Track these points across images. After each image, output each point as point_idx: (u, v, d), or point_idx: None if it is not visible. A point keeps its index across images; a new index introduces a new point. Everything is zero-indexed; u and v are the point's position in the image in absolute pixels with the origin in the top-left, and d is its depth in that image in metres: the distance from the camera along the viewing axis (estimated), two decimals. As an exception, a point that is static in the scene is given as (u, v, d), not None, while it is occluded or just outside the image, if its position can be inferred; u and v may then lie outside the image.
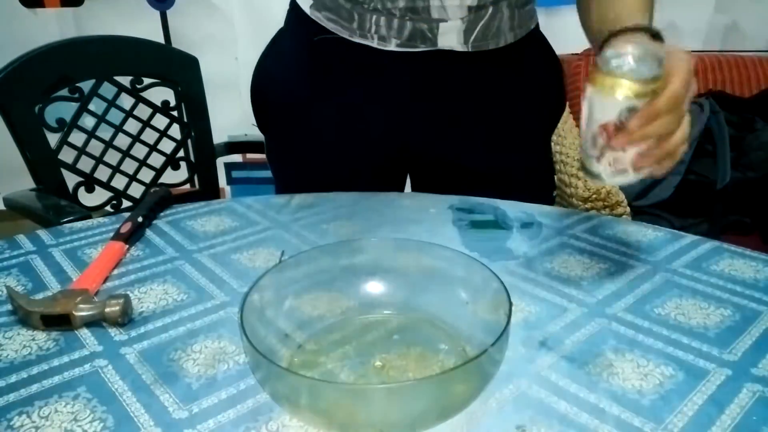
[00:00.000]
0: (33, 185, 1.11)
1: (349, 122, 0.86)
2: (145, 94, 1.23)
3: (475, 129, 0.86)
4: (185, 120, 1.30)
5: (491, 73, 0.82)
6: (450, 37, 0.77)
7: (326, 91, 0.85)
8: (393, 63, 0.79)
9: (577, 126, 1.92)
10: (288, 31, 0.89)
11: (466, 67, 0.80)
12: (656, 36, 0.60)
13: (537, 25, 0.87)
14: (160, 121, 1.26)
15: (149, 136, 1.25)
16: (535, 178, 0.93)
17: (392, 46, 0.78)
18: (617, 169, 0.56)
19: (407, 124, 0.85)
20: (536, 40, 0.88)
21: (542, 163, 0.96)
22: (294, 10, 0.86)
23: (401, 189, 0.98)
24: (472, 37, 0.78)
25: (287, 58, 0.88)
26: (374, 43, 0.79)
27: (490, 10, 0.77)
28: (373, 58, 0.80)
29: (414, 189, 0.98)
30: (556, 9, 2.26)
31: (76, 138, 1.15)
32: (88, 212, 0.97)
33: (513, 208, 0.79)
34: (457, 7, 0.75)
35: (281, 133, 0.93)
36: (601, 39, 0.61)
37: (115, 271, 0.65)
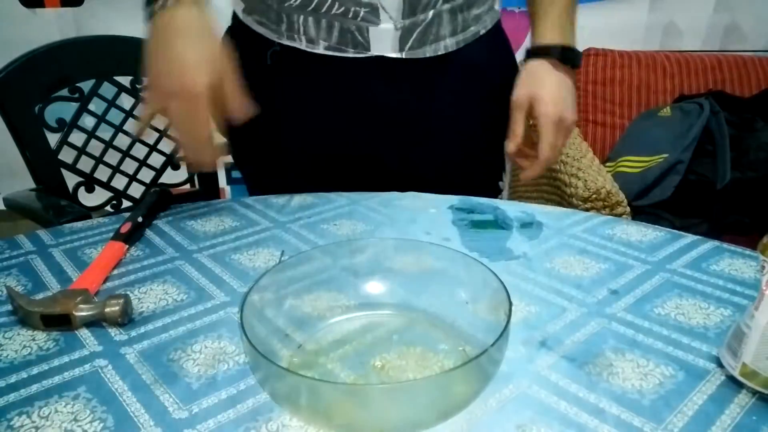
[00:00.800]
0: (33, 185, 1.11)
1: (293, 128, 0.84)
2: (145, 94, 1.24)
3: (419, 139, 0.84)
4: (185, 120, 1.30)
5: (428, 80, 0.80)
6: (384, 44, 0.75)
7: (268, 97, 0.80)
8: (326, 68, 0.77)
9: (578, 126, 1.92)
10: (226, 37, 0.86)
11: (401, 74, 0.78)
12: (566, 55, 0.59)
13: (491, 30, 0.84)
14: (160, 120, 1.26)
15: (149, 136, 1.25)
16: (472, 188, 0.88)
17: (321, 49, 0.76)
18: None
19: (350, 133, 0.83)
20: (486, 45, 0.84)
21: (481, 172, 0.92)
22: (234, 17, 0.84)
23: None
24: (408, 45, 0.76)
25: None
26: (302, 45, 0.77)
27: (430, 14, 0.75)
28: (308, 64, 0.77)
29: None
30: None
31: (76, 138, 1.15)
32: (88, 212, 0.98)
33: (513, 208, 0.79)
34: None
35: (238, 136, 0.91)
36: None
37: (115, 271, 0.65)
